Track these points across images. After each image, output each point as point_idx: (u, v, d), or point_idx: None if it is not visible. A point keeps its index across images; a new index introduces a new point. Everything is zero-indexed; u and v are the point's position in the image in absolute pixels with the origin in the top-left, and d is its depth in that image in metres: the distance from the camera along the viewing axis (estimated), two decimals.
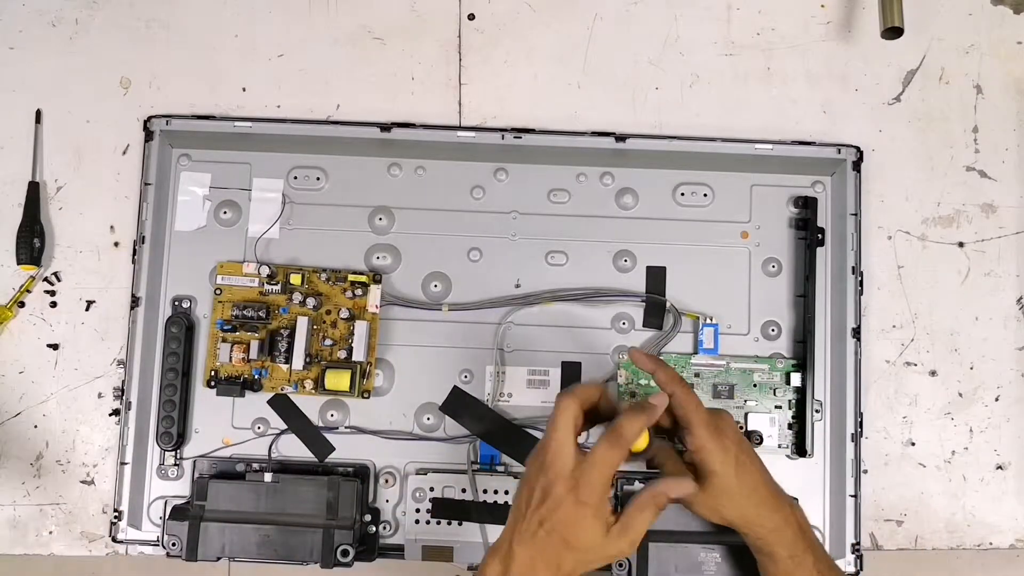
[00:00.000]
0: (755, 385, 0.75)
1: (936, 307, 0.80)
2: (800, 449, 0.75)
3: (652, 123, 0.81)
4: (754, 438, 0.74)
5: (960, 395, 0.79)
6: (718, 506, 0.62)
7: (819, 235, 0.77)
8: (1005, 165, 0.81)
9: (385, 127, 0.79)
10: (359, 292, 0.77)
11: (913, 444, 0.79)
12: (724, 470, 0.60)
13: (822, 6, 0.83)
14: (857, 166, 0.79)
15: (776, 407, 0.75)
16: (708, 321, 0.77)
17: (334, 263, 0.78)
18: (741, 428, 0.73)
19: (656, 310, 0.78)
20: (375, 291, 0.77)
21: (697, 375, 0.74)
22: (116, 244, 0.80)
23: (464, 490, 0.75)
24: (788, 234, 0.80)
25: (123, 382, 0.77)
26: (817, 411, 0.76)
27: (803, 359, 0.76)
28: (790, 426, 0.75)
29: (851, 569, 0.75)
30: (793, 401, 0.75)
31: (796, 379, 0.75)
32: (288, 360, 0.76)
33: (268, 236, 0.79)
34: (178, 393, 0.76)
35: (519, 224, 0.80)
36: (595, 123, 0.80)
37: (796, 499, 0.67)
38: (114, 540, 0.76)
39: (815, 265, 0.77)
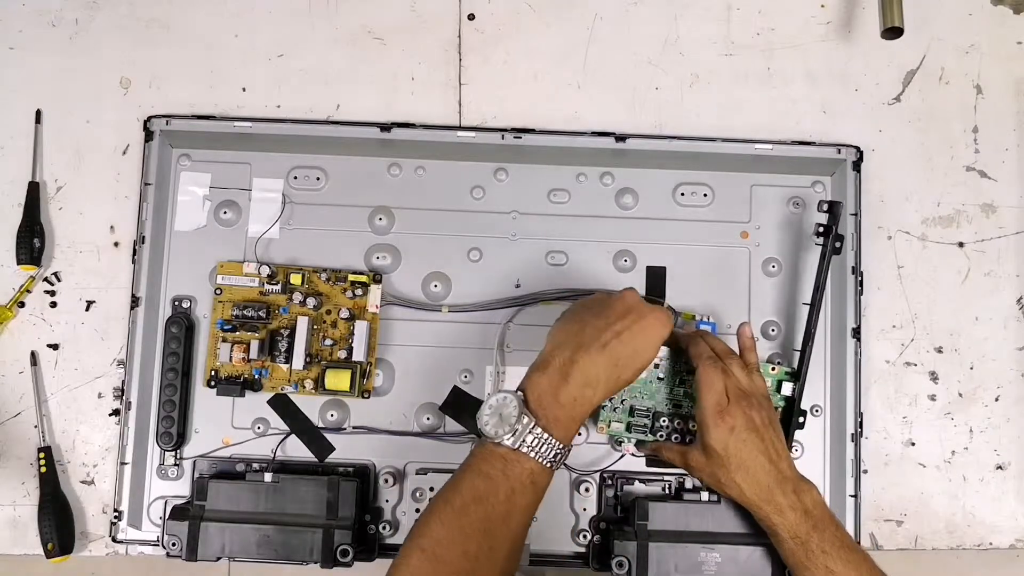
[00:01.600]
0: None
1: (936, 307, 0.80)
2: None
3: (652, 123, 0.81)
4: None
5: (960, 395, 0.79)
6: (716, 477, 0.68)
7: (838, 243, 0.75)
8: (1005, 165, 0.82)
9: (385, 127, 0.79)
10: (359, 292, 0.77)
11: (913, 444, 0.79)
12: (718, 446, 0.66)
13: (822, 6, 0.83)
14: (857, 166, 0.79)
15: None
16: (705, 319, 0.77)
17: (334, 263, 0.78)
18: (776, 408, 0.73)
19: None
20: (375, 291, 0.77)
21: (689, 373, 0.74)
22: (116, 244, 0.80)
23: None
24: (788, 234, 0.80)
25: (123, 382, 0.77)
26: (801, 422, 0.75)
27: (798, 370, 0.74)
28: None
29: None
30: (781, 409, 0.74)
31: (788, 388, 0.74)
32: (288, 360, 0.76)
33: (268, 236, 0.79)
34: (178, 393, 0.76)
35: (519, 224, 0.80)
36: (595, 123, 0.80)
37: (811, 483, 0.67)
38: (114, 540, 0.76)
39: (827, 274, 0.75)
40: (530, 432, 0.60)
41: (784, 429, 0.73)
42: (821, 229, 0.74)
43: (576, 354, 0.64)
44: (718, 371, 0.68)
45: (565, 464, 0.70)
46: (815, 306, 0.75)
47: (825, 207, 0.75)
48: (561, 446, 0.61)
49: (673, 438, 0.73)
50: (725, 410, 0.67)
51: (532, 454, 0.60)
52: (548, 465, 0.61)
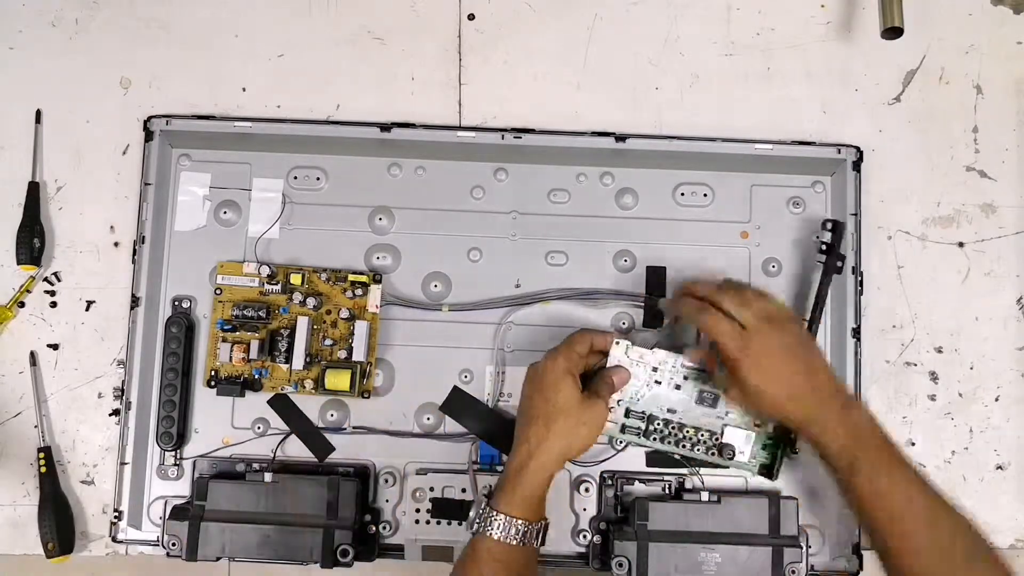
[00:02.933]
0: None
1: (936, 307, 0.80)
2: (767, 471, 0.73)
3: (652, 123, 0.81)
4: (725, 452, 0.73)
5: (960, 395, 0.79)
6: (748, 396, 0.67)
7: (839, 263, 0.75)
8: (1005, 165, 0.81)
9: (385, 127, 0.79)
10: (359, 292, 0.77)
11: (913, 444, 0.79)
12: (749, 386, 0.66)
13: (822, 6, 0.83)
14: (857, 166, 0.79)
15: (756, 424, 0.73)
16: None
17: (334, 263, 0.78)
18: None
19: (656, 310, 0.78)
20: (375, 291, 0.77)
21: (686, 378, 0.73)
22: (116, 244, 0.80)
23: (464, 490, 0.75)
24: (788, 234, 0.80)
25: (123, 382, 0.77)
26: (794, 438, 0.74)
27: None
28: (764, 446, 0.74)
29: (851, 569, 0.75)
30: (774, 424, 0.73)
31: None
32: (288, 360, 0.76)
33: (268, 236, 0.79)
34: (178, 393, 0.76)
35: (519, 224, 0.80)
36: (595, 123, 0.80)
37: (858, 401, 0.67)
38: (114, 540, 0.76)
39: (828, 291, 0.75)
40: (492, 519, 0.65)
41: (777, 444, 0.73)
42: (824, 247, 0.74)
43: (518, 431, 0.69)
44: (714, 317, 0.67)
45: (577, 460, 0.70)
46: (815, 322, 0.75)
47: (829, 225, 0.75)
48: (524, 523, 0.65)
49: (667, 443, 0.73)
50: (746, 343, 0.66)
51: (497, 536, 0.65)
52: (517, 543, 0.65)
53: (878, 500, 0.63)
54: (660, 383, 0.73)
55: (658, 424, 0.74)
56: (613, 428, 0.74)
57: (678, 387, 0.73)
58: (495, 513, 0.65)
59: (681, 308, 0.70)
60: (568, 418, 0.67)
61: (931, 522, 0.62)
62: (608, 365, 0.73)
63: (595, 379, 0.72)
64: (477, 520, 0.66)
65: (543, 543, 0.67)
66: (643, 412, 0.74)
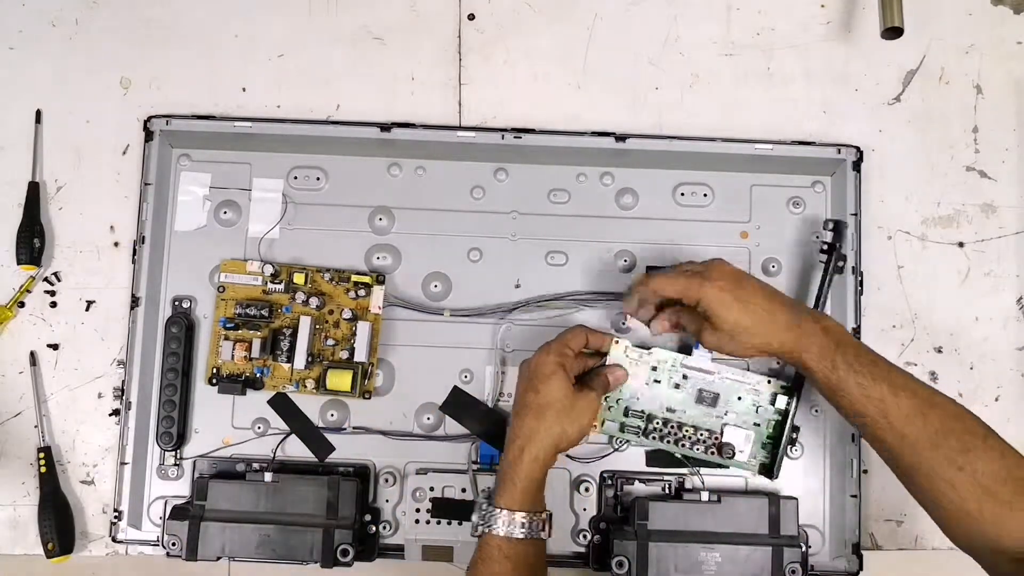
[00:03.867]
0: (739, 399, 0.74)
1: (936, 307, 0.80)
2: (767, 470, 0.73)
3: (652, 123, 0.81)
4: (725, 451, 0.73)
5: (960, 395, 0.79)
6: (737, 340, 0.67)
7: (840, 263, 0.75)
8: (1005, 165, 0.82)
9: (385, 127, 0.79)
10: (362, 293, 0.77)
11: None
12: (720, 310, 0.67)
13: (822, 6, 0.83)
14: (857, 166, 0.79)
15: (755, 424, 0.74)
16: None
17: (334, 263, 0.78)
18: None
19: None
20: (378, 292, 0.77)
21: (685, 377, 0.74)
22: (116, 244, 0.80)
23: (464, 490, 0.75)
24: (788, 234, 0.80)
25: (123, 382, 0.77)
26: (795, 438, 0.75)
27: (796, 384, 0.73)
28: (763, 446, 0.74)
29: (851, 569, 0.75)
30: (773, 423, 0.74)
31: (782, 402, 0.73)
32: (290, 359, 0.76)
33: (268, 236, 0.79)
34: (178, 393, 0.76)
35: (519, 224, 0.80)
36: (595, 123, 0.80)
37: (823, 314, 0.69)
38: (114, 540, 0.76)
39: (829, 290, 0.75)
40: (495, 517, 0.66)
41: (775, 444, 0.73)
42: (825, 247, 0.74)
43: (510, 426, 0.69)
44: (666, 276, 0.69)
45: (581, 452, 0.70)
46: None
47: (831, 225, 0.75)
48: (526, 516, 0.66)
49: (667, 441, 0.74)
50: (703, 284, 0.67)
51: (503, 532, 0.65)
52: (523, 537, 0.65)
53: (865, 398, 0.63)
54: (659, 382, 0.74)
55: (657, 423, 0.74)
56: (613, 427, 0.74)
57: (677, 386, 0.74)
58: (496, 510, 0.66)
59: (634, 295, 0.72)
60: (559, 411, 0.67)
61: (921, 412, 0.62)
62: (607, 364, 0.73)
63: (590, 374, 0.72)
64: (480, 521, 0.67)
65: (549, 534, 0.67)
66: (642, 411, 0.74)
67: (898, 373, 0.64)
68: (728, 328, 0.67)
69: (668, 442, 0.74)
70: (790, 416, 0.73)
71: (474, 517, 0.68)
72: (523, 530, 0.65)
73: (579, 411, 0.68)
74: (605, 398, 0.74)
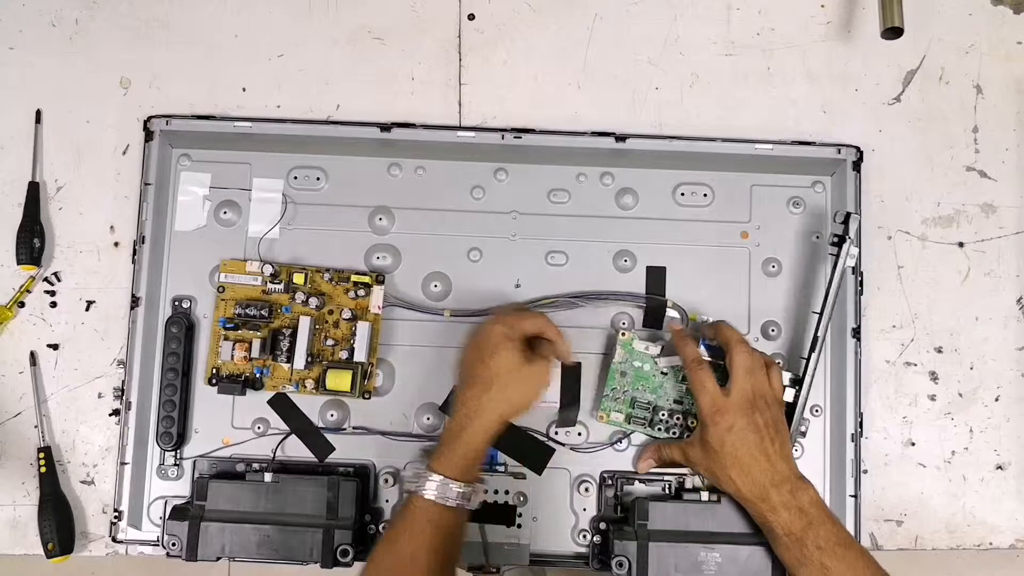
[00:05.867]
0: None
1: (936, 307, 0.80)
2: None
3: (652, 123, 0.81)
4: None
5: (960, 395, 0.79)
6: (713, 472, 0.69)
7: (851, 258, 0.74)
8: (1005, 165, 0.82)
9: (385, 127, 0.78)
10: (362, 293, 0.77)
11: (913, 444, 0.79)
12: (715, 444, 0.68)
13: (822, 6, 0.83)
14: (857, 166, 0.79)
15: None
16: (705, 321, 0.77)
17: (334, 263, 0.78)
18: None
19: (656, 310, 0.78)
20: (378, 292, 0.77)
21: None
22: (116, 244, 0.80)
23: None
24: (788, 234, 0.80)
25: (123, 382, 0.77)
26: (803, 432, 0.75)
27: (801, 376, 0.73)
28: None
29: None
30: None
31: (789, 394, 0.73)
32: (290, 359, 0.76)
33: (268, 236, 0.79)
34: (178, 393, 0.76)
35: (519, 224, 0.80)
36: (595, 123, 0.80)
37: (808, 483, 0.67)
38: (114, 540, 0.76)
39: (839, 283, 0.74)
40: (428, 479, 0.66)
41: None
42: (835, 239, 0.74)
43: (457, 393, 0.70)
44: (704, 373, 0.69)
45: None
46: (821, 313, 0.74)
47: (842, 218, 0.74)
48: (460, 485, 0.66)
49: (672, 433, 0.74)
50: (721, 409, 0.68)
51: (431, 496, 0.65)
52: (452, 505, 0.65)
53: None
54: (667, 374, 0.74)
55: (663, 415, 0.74)
56: (619, 418, 0.74)
57: (684, 379, 0.74)
58: (431, 474, 0.66)
59: (680, 345, 0.72)
60: (506, 383, 0.68)
61: None
62: (615, 359, 0.74)
63: (540, 343, 0.73)
64: (412, 479, 0.67)
65: (476, 506, 0.68)
66: (649, 403, 0.74)
67: (863, 557, 0.65)
68: (710, 449, 0.68)
69: (673, 434, 0.74)
70: (798, 408, 0.73)
71: (405, 473, 0.69)
72: (455, 499, 0.66)
73: (527, 378, 0.69)
74: (612, 388, 0.74)
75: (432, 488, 0.66)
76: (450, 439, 0.68)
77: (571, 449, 0.76)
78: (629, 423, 0.75)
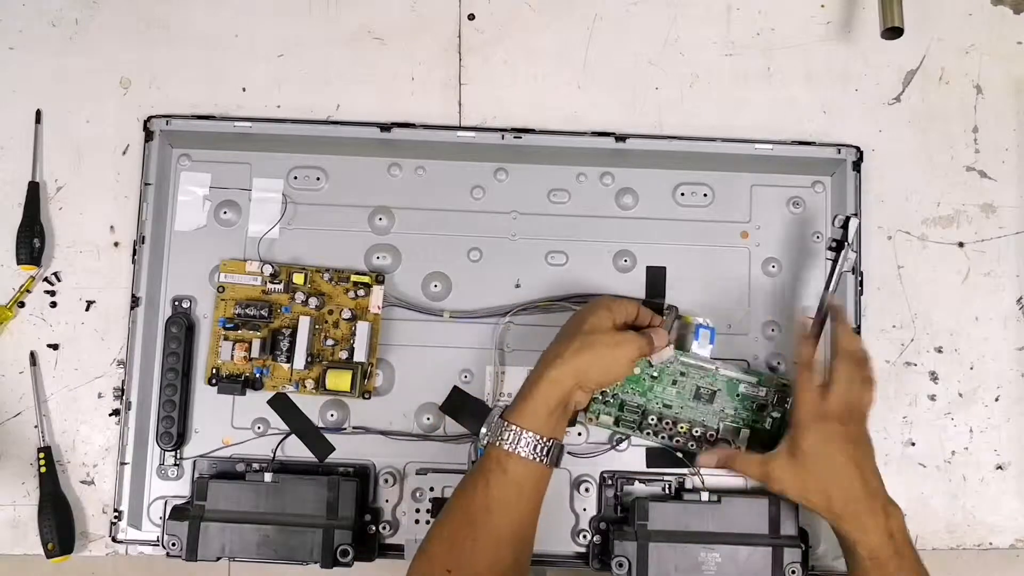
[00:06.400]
0: (738, 395, 0.74)
1: (936, 307, 0.80)
2: None
3: (652, 123, 0.81)
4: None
5: (960, 395, 0.79)
6: (804, 484, 0.66)
7: (850, 260, 0.74)
8: (1005, 165, 0.82)
9: (385, 127, 0.79)
10: (361, 293, 0.77)
11: (913, 444, 0.79)
12: (812, 451, 0.66)
13: (822, 6, 0.83)
14: (857, 166, 0.79)
15: (754, 422, 0.74)
16: (704, 323, 0.77)
17: (334, 263, 0.78)
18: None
19: (655, 310, 0.78)
20: (378, 292, 0.77)
21: (683, 374, 0.74)
22: (116, 244, 0.80)
23: None
24: (788, 234, 0.80)
25: (123, 382, 0.77)
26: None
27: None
28: (763, 444, 0.73)
29: None
30: (777, 421, 0.74)
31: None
32: (290, 359, 0.76)
33: (268, 236, 0.79)
34: (178, 393, 0.76)
35: (519, 224, 0.80)
36: (595, 123, 0.80)
37: (898, 507, 0.66)
38: (114, 540, 0.76)
39: (836, 287, 0.73)
40: (504, 429, 0.64)
41: (775, 443, 0.71)
42: (833, 243, 0.74)
43: (545, 360, 0.67)
44: (806, 376, 0.68)
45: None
46: (823, 312, 0.73)
47: (841, 222, 0.74)
48: (535, 436, 0.63)
49: (661, 438, 0.74)
50: (823, 415, 0.66)
51: (507, 447, 0.63)
52: (528, 457, 0.63)
53: None
54: (657, 378, 0.74)
55: (652, 419, 0.74)
56: (608, 420, 0.74)
57: (675, 382, 0.74)
58: (505, 423, 0.64)
59: (804, 347, 0.70)
60: (592, 342, 0.66)
61: None
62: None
63: (637, 329, 0.71)
64: (488, 431, 0.65)
65: (556, 464, 0.65)
66: (638, 406, 0.74)
67: None
68: (805, 465, 0.66)
69: (663, 438, 0.74)
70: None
71: (483, 429, 0.67)
72: (527, 449, 0.63)
73: (611, 347, 0.66)
74: (602, 393, 0.74)
75: (508, 440, 0.63)
76: (525, 391, 0.65)
77: (569, 454, 0.76)
78: (619, 426, 0.74)
